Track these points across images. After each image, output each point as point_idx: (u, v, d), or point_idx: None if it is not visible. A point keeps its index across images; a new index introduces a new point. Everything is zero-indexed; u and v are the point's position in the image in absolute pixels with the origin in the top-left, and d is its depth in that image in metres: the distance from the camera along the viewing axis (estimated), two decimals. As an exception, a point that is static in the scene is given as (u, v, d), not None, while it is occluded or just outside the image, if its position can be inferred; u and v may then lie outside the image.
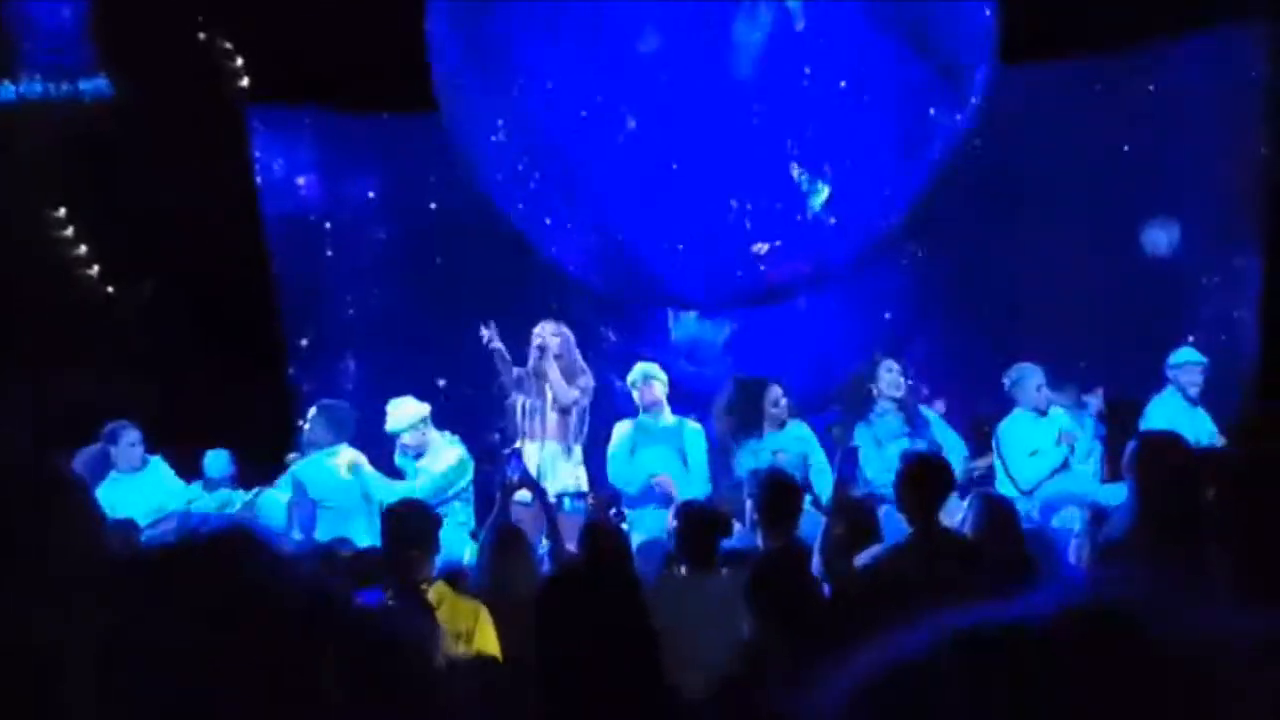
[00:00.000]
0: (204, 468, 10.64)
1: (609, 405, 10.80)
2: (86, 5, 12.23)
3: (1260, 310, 11.39)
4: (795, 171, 9.64)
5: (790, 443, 9.67)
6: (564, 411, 9.79)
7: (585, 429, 9.95)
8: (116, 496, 9.25)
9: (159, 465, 10.14)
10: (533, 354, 9.81)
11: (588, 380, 9.90)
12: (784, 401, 9.78)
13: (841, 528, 7.07)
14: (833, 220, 9.86)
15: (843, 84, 9.55)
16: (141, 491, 9.76)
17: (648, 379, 9.95)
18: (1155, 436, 6.63)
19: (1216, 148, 11.41)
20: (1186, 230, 11.58)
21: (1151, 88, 11.57)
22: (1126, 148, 11.59)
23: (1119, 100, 11.60)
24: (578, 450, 9.90)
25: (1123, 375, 10.61)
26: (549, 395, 9.77)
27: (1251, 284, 11.42)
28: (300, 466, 9.86)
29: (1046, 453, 9.53)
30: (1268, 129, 11.28)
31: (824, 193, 9.72)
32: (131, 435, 9.97)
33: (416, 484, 9.56)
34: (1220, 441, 9.52)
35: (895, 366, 9.79)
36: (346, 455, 9.78)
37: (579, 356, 9.96)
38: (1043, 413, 9.72)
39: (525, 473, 8.86)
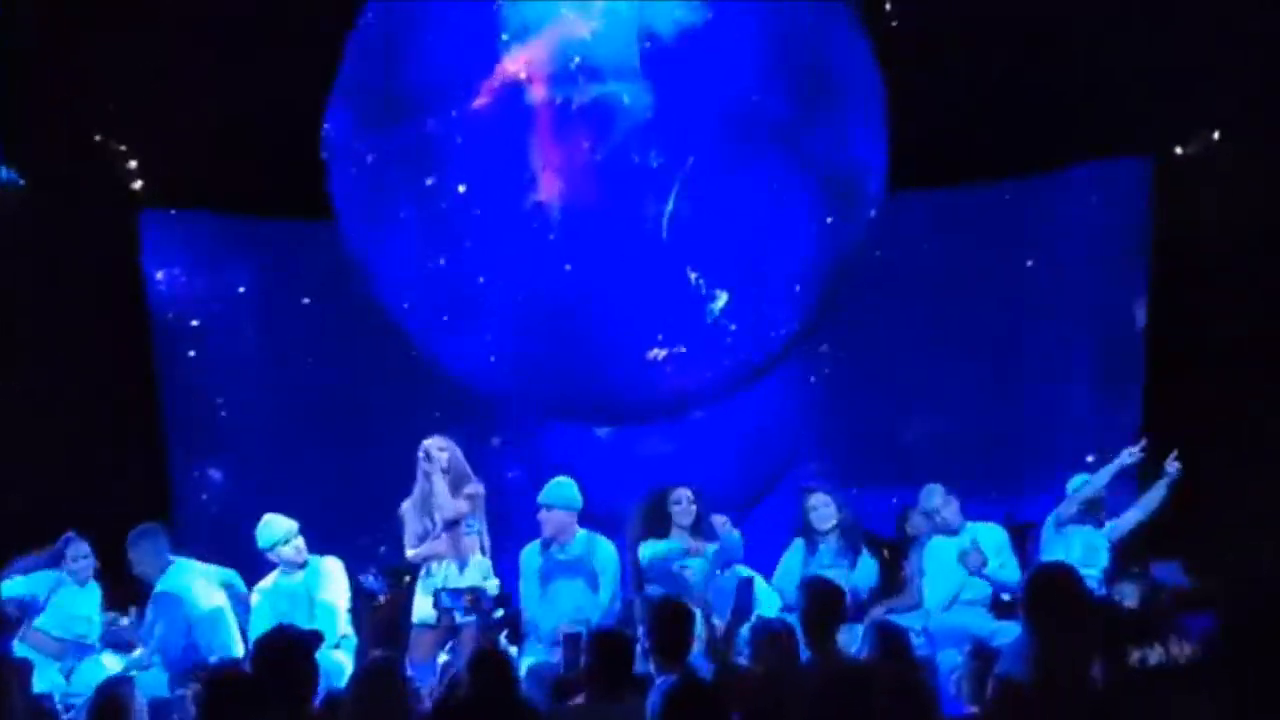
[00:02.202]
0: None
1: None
2: None
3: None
4: (693, 277, 9.36)
5: (699, 561, 9.37)
6: (452, 525, 9.27)
7: (484, 539, 9.35)
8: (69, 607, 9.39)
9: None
10: (420, 469, 9.32)
11: (476, 489, 9.32)
12: (688, 503, 9.45)
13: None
14: (733, 327, 9.57)
15: (732, 193, 9.28)
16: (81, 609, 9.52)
17: (548, 507, 9.46)
18: (1047, 571, 6.73)
19: (1104, 277, 11.53)
20: (1076, 358, 11.55)
21: (1040, 216, 11.63)
22: (1030, 263, 11.64)
23: (1010, 228, 11.66)
24: (477, 561, 9.27)
25: (1023, 497, 10.62)
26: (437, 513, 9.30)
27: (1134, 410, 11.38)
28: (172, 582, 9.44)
29: (948, 574, 9.48)
30: (1152, 260, 11.35)
31: (722, 299, 9.44)
32: (77, 549, 9.55)
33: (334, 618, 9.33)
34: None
35: (828, 500, 9.63)
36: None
37: (467, 468, 9.38)
38: (954, 531, 9.61)
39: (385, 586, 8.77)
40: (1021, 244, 11.72)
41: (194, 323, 12.03)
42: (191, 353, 11.99)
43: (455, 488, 9.29)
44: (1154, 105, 10.89)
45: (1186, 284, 11.08)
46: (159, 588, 9.46)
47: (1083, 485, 9.71)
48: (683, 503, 9.51)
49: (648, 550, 9.43)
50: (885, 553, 10.14)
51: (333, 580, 9.52)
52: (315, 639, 6.66)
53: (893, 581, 9.92)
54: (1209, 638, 5.60)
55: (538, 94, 9.29)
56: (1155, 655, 6.10)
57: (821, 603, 6.96)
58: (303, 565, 9.50)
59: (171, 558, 9.58)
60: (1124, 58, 10.69)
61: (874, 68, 10.03)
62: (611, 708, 6.34)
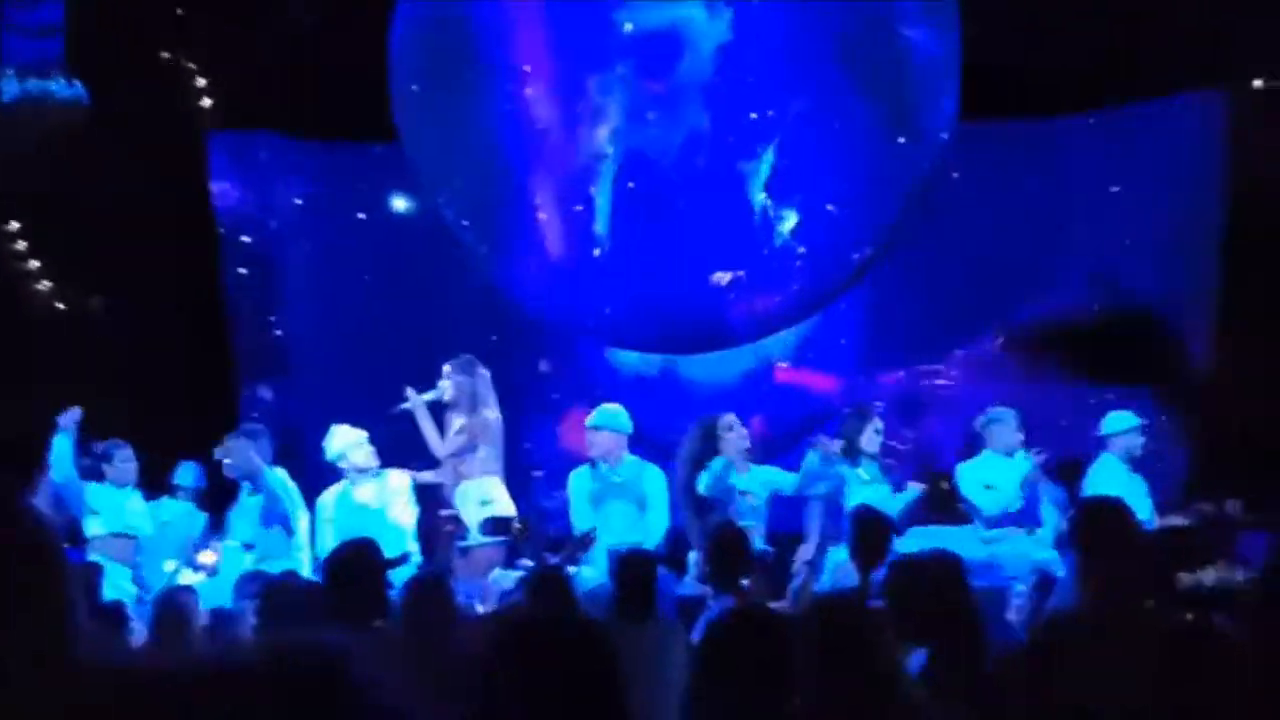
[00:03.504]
0: (174, 478, 10.41)
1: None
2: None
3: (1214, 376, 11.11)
4: (760, 198, 9.05)
5: (757, 487, 9.41)
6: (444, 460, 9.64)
7: (486, 464, 9.54)
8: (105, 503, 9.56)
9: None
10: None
11: (482, 420, 9.51)
12: (739, 427, 9.41)
13: None
14: (802, 249, 9.28)
15: (803, 112, 9.04)
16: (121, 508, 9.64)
17: (596, 429, 9.52)
18: (1096, 503, 6.85)
19: (1178, 213, 11.27)
20: (1146, 293, 11.35)
21: (1115, 150, 11.38)
22: (1114, 189, 11.41)
23: (1082, 160, 11.43)
24: (471, 485, 9.48)
25: (1077, 434, 10.18)
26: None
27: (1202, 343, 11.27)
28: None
29: (1004, 490, 9.34)
30: (1225, 196, 11.12)
31: (791, 220, 9.17)
32: (125, 454, 9.80)
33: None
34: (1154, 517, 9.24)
35: (880, 425, 9.56)
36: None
37: (484, 394, 9.57)
38: (1009, 455, 9.47)
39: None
40: (1102, 174, 11.45)
41: (244, 239, 12.00)
42: (243, 270, 12.00)
43: (471, 412, 9.49)
44: (1231, 37, 10.76)
45: (1263, 220, 10.84)
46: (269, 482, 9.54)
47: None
48: (735, 429, 9.48)
49: (705, 477, 9.43)
50: (944, 484, 10.03)
51: (399, 497, 9.57)
52: (395, 561, 6.80)
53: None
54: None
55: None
56: (1209, 578, 6.17)
57: (868, 532, 7.08)
58: (375, 474, 9.58)
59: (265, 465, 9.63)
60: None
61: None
62: (636, 629, 6.32)
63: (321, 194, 12.02)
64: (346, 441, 9.60)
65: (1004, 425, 9.57)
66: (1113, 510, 5.64)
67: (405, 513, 9.54)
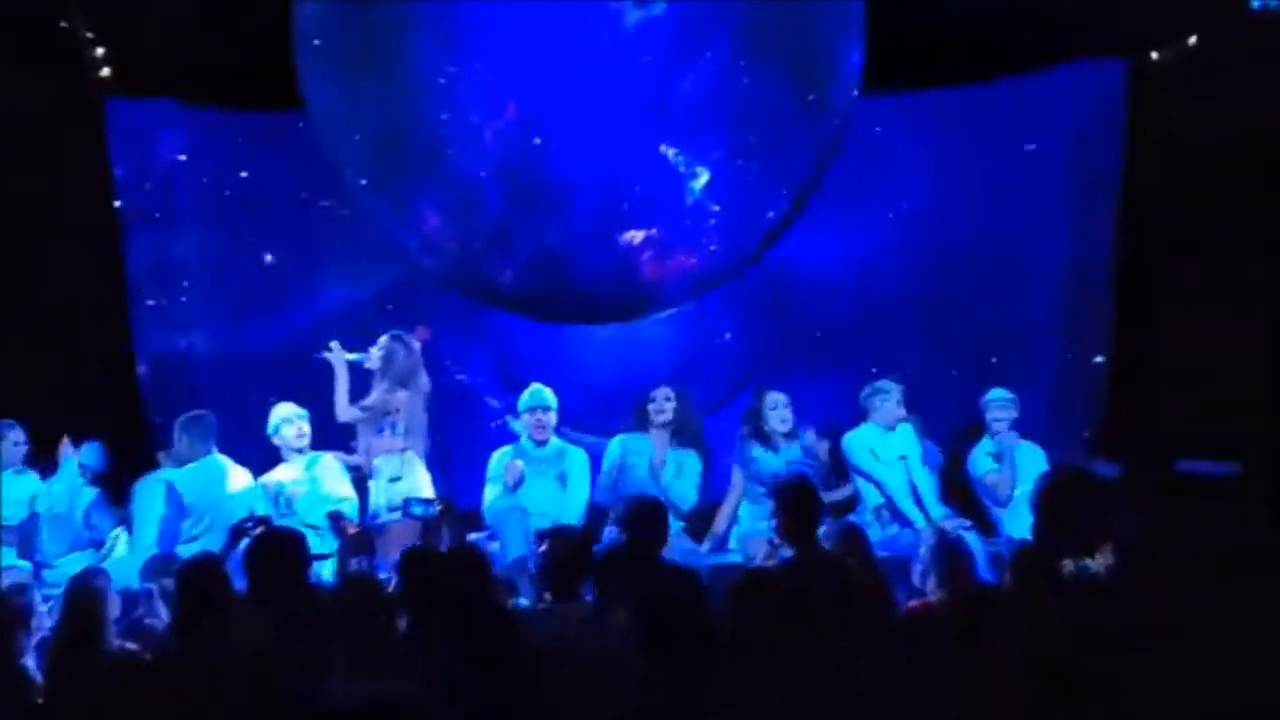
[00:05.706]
0: (80, 458, 10.07)
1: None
2: None
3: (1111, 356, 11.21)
4: (670, 153, 8.64)
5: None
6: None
7: (405, 442, 9.57)
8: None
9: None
10: None
11: (404, 396, 9.49)
12: (663, 401, 9.63)
13: None
14: (716, 208, 8.89)
15: (710, 71, 8.67)
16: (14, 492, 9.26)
17: (530, 409, 9.51)
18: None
19: (1077, 183, 11.34)
20: (1045, 269, 11.40)
21: (1012, 121, 11.40)
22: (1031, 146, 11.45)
23: (978, 133, 11.43)
24: (385, 464, 9.50)
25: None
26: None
27: (1103, 323, 11.28)
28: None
29: (888, 463, 9.55)
30: (1125, 166, 11.14)
31: (704, 177, 8.74)
32: (17, 434, 9.60)
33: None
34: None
35: (783, 401, 9.70)
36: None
37: (412, 372, 9.57)
38: (890, 429, 9.69)
39: None
40: (1011, 139, 11.50)
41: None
42: (163, 245, 11.72)
43: (395, 385, 9.44)
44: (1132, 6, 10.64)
45: (1158, 194, 10.91)
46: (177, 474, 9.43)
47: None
48: (657, 400, 9.55)
49: (614, 446, 9.56)
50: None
51: (330, 475, 9.48)
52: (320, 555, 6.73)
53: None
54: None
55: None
56: (1095, 565, 6.30)
57: (801, 499, 7.17)
58: (305, 454, 9.51)
59: (215, 451, 9.58)
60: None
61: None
62: (565, 607, 6.34)
63: (205, 153, 11.72)
64: (281, 415, 9.54)
65: (887, 397, 9.74)
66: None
67: (339, 488, 9.45)
